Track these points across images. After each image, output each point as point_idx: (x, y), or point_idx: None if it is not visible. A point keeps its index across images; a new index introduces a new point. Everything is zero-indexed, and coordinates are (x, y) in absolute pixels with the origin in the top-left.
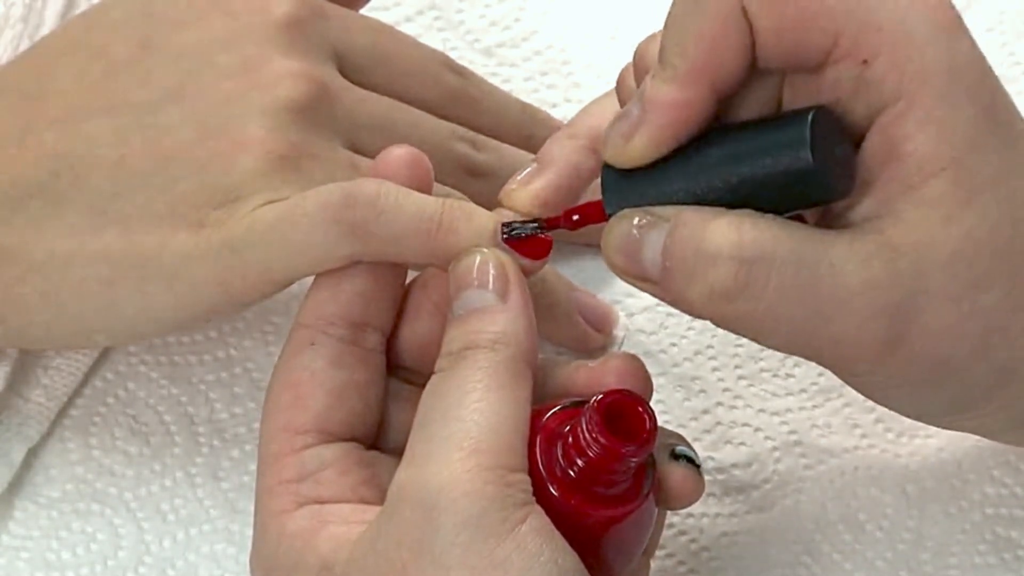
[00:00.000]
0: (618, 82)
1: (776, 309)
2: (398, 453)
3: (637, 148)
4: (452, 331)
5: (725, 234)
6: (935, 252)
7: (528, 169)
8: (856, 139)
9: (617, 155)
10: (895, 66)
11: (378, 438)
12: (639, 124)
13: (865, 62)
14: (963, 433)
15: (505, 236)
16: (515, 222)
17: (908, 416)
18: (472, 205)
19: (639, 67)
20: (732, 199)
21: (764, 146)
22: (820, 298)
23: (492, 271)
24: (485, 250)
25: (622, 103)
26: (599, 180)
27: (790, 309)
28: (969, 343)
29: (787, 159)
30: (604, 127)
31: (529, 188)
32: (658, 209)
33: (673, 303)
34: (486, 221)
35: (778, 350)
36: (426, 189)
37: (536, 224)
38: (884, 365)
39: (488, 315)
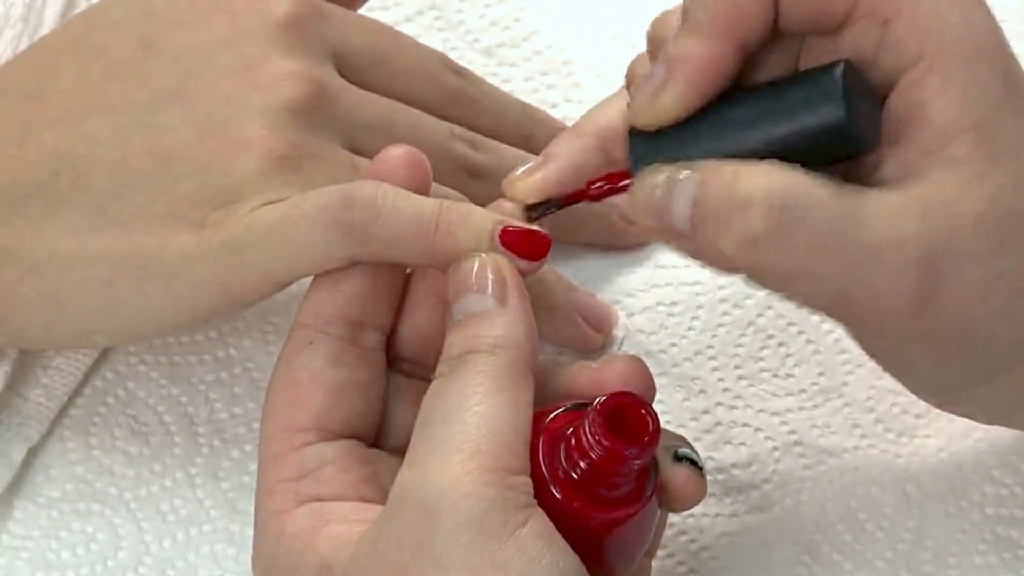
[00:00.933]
0: (628, 71)
1: (807, 258)
2: (399, 451)
3: (665, 105)
4: (452, 336)
5: (757, 181)
6: (962, 213)
7: (531, 162)
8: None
9: (645, 114)
10: (915, 27)
11: (379, 436)
12: (666, 82)
13: (885, 22)
14: (963, 433)
15: (533, 216)
16: (538, 203)
17: (923, 392)
18: (470, 206)
19: (653, 46)
20: (762, 155)
21: (794, 101)
22: (851, 249)
23: (490, 275)
24: (483, 254)
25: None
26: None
27: (821, 259)
28: (994, 307)
29: (819, 112)
30: (611, 126)
31: (531, 179)
32: (686, 164)
33: (703, 256)
34: (484, 222)
35: (808, 304)
36: (424, 189)
37: (559, 201)
38: (913, 324)
39: (487, 320)
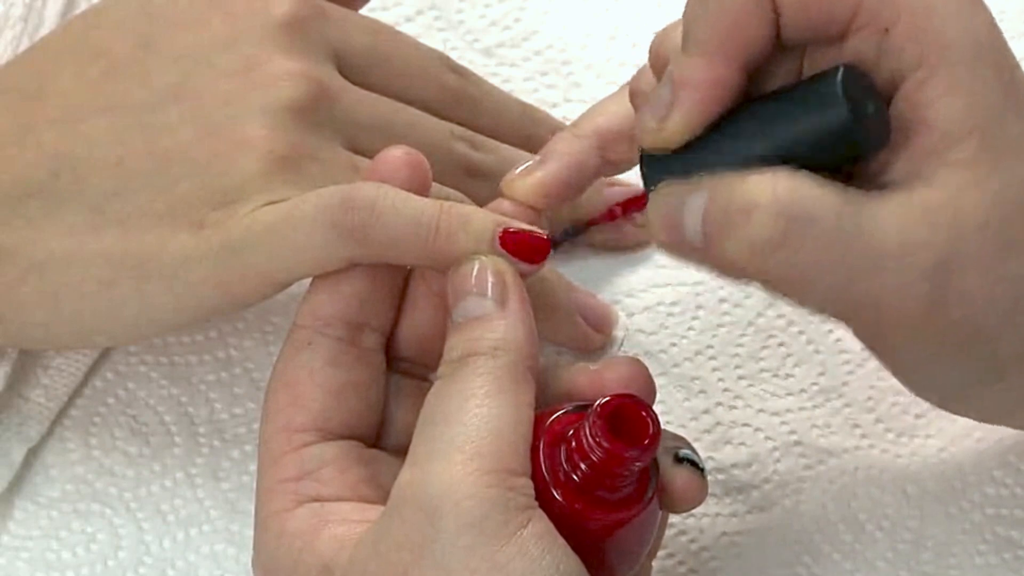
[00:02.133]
0: (631, 87)
1: (815, 265)
2: (400, 452)
3: (673, 129)
4: (452, 339)
5: (761, 187)
6: (967, 215)
7: (530, 161)
8: None
9: (653, 139)
10: (916, 33)
11: (379, 437)
12: (672, 106)
13: (886, 31)
14: (963, 433)
15: (556, 243)
16: (565, 228)
17: (929, 393)
18: (470, 208)
19: (656, 62)
20: (770, 164)
21: (798, 107)
22: (858, 256)
23: (490, 278)
24: (483, 257)
25: (636, 107)
26: (602, 179)
27: (829, 266)
28: (1000, 308)
29: (822, 115)
30: (609, 126)
31: (530, 178)
32: (696, 180)
33: (719, 268)
34: (484, 225)
35: (820, 311)
36: (424, 190)
37: (581, 226)
38: (921, 328)
39: (487, 323)
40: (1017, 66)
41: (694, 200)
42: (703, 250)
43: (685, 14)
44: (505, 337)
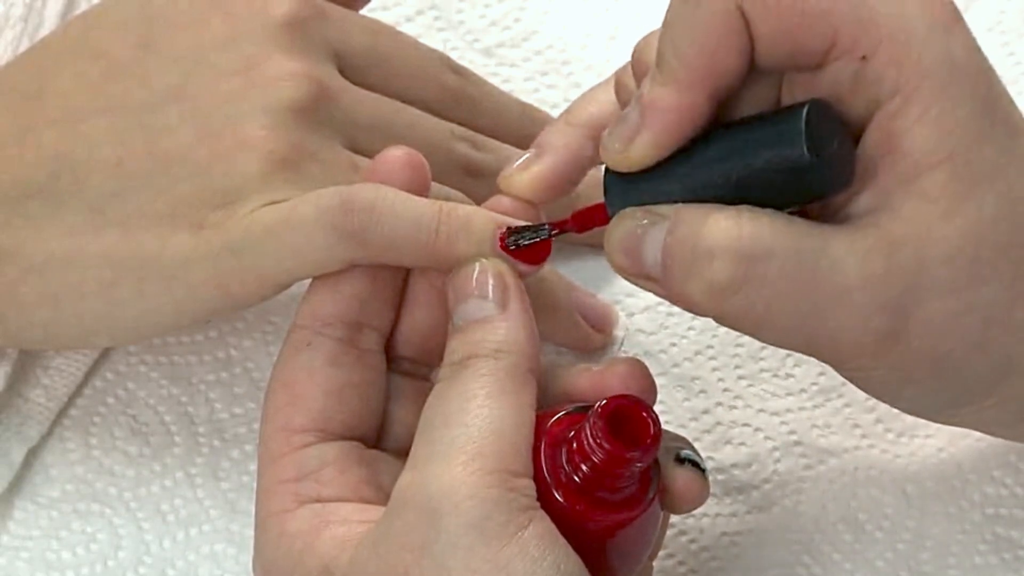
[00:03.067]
0: (616, 82)
1: (775, 305)
2: (400, 452)
3: (637, 153)
4: (453, 342)
5: (723, 229)
6: (934, 246)
7: (526, 155)
8: (855, 136)
9: (618, 160)
10: (893, 62)
11: (380, 437)
12: (639, 129)
13: (863, 58)
14: (963, 433)
15: (511, 247)
16: (519, 229)
17: (908, 412)
18: (470, 209)
19: (637, 67)
20: (731, 195)
21: (760, 141)
22: (818, 293)
23: (491, 280)
24: (483, 259)
25: (622, 103)
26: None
27: (789, 304)
28: (969, 337)
29: (783, 153)
30: (602, 115)
31: (527, 173)
32: (657, 208)
33: (674, 300)
34: (484, 225)
35: (778, 346)
36: (423, 191)
37: (543, 229)
38: (883, 360)
39: (488, 325)
40: (1001, 89)
41: (655, 232)
42: (661, 282)
43: (660, 36)
44: (506, 339)
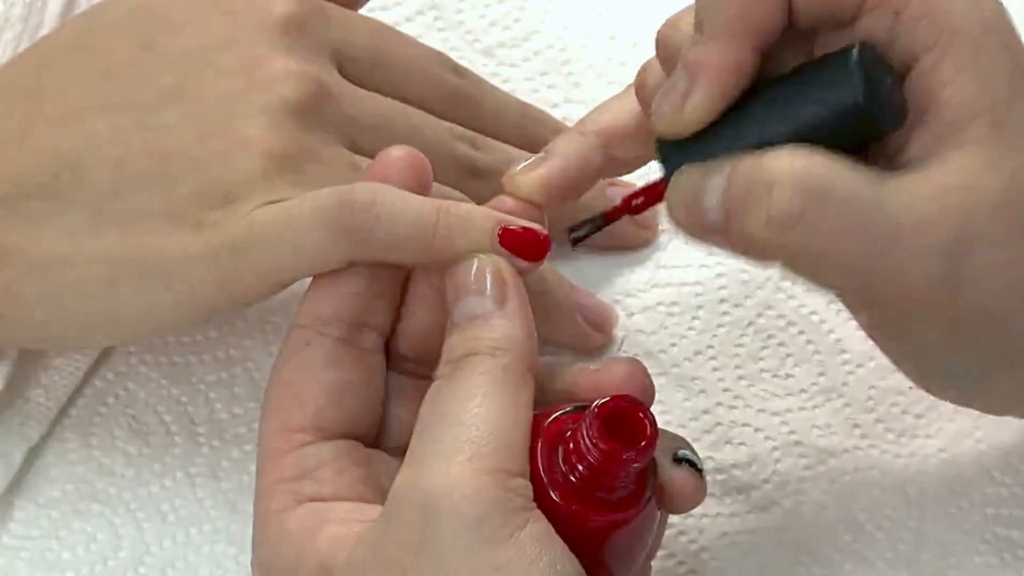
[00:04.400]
0: (637, 82)
1: (833, 240)
2: (399, 451)
3: (691, 114)
4: (452, 338)
5: (783, 162)
6: (980, 196)
7: (534, 157)
8: None
9: (672, 125)
10: (926, 15)
11: (379, 437)
12: (689, 90)
13: (897, 12)
14: (964, 433)
15: (576, 239)
16: (578, 224)
17: (941, 382)
18: (469, 207)
19: (665, 52)
20: (787, 145)
21: (814, 86)
22: (875, 232)
23: (489, 277)
24: (482, 256)
25: (644, 102)
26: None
27: (847, 241)
28: (1015, 290)
29: (838, 93)
30: (615, 125)
31: (533, 174)
32: (715, 162)
33: (737, 247)
34: (483, 223)
35: (835, 289)
36: (425, 190)
37: (600, 218)
38: (936, 309)
39: (487, 322)
40: None
41: (714, 180)
42: (723, 230)
43: (696, 2)
44: (504, 336)
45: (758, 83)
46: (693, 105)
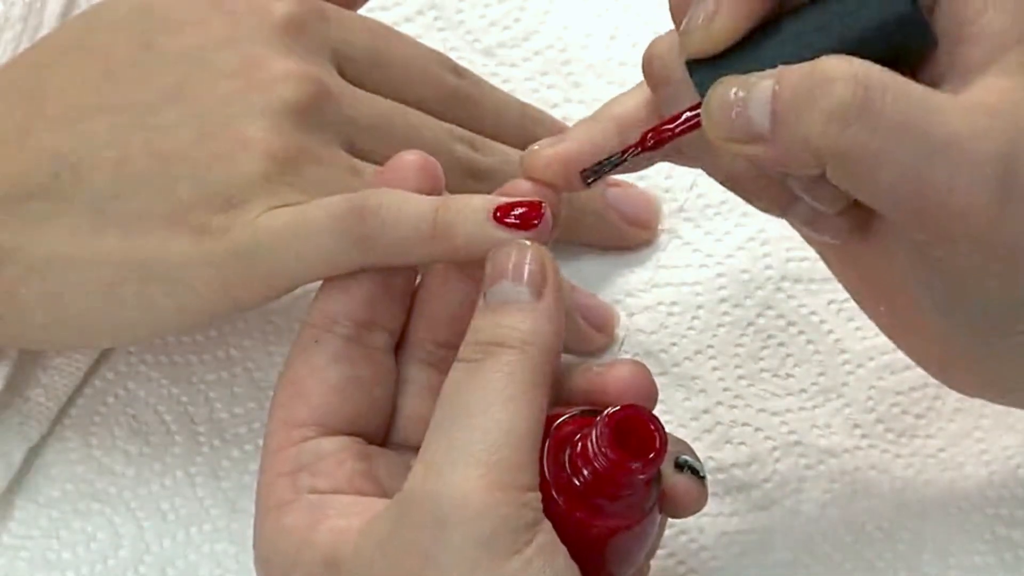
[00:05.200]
0: (646, 56)
1: (890, 140)
2: (406, 447)
3: (722, 26)
4: (481, 319)
5: (838, 63)
6: (1022, 118)
7: (549, 139)
8: None
9: (702, 40)
10: None
11: (388, 432)
12: (718, 4)
13: None
14: (964, 433)
15: (589, 177)
16: (592, 166)
17: (981, 320)
18: (465, 197)
19: (677, 12)
20: None
21: (855, 2)
22: (930, 137)
23: (530, 266)
24: (527, 243)
25: (652, 81)
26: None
27: (904, 142)
28: None
29: (885, 7)
30: (626, 114)
31: (551, 150)
32: (756, 74)
33: (785, 154)
34: (479, 205)
35: (886, 198)
36: (436, 194)
37: (614, 157)
38: (987, 225)
39: (519, 312)
40: None
41: (761, 86)
42: (768, 138)
43: None
44: (534, 331)
45: (789, 6)
46: (723, 16)
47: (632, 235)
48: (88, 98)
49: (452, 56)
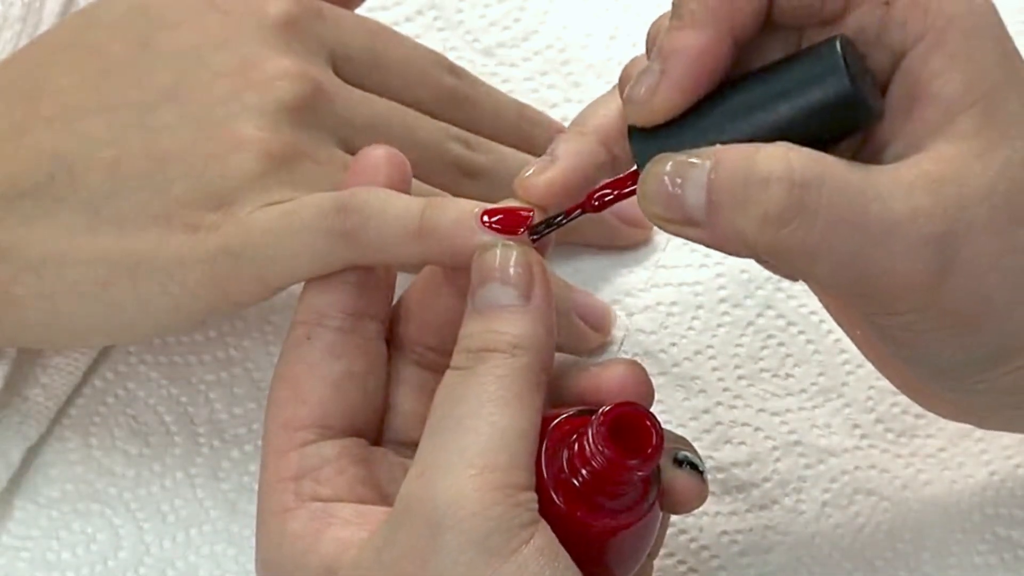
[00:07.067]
0: (622, 75)
1: (827, 237)
2: (402, 445)
3: (662, 101)
4: (471, 326)
5: (775, 158)
6: (973, 184)
7: (539, 161)
8: (880, 86)
9: (643, 112)
10: (917, 6)
11: (383, 429)
12: (662, 76)
13: (887, 3)
14: (963, 433)
15: (534, 238)
16: (539, 223)
17: (934, 376)
18: (452, 199)
19: (651, 47)
20: (767, 138)
21: (798, 78)
22: (869, 225)
23: (516, 268)
24: (512, 244)
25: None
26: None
27: (841, 236)
28: (1009, 281)
29: (825, 85)
30: (609, 121)
31: (544, 177)
32: (694, 152)
33: (720, 241)
34: (466, 206)
35: (826, 283)
36: (404, 188)
37: (560, 216)
38: (930, 299)
39: (509, 316)
40: (1013, 43)
41: (696, 172)
42: (704, 224)
43: None
44: (525, 334)
45: (738, 77)
46: (664, 91)
47: (629, 234)
48: (85, 97)
49: (451, 56)
